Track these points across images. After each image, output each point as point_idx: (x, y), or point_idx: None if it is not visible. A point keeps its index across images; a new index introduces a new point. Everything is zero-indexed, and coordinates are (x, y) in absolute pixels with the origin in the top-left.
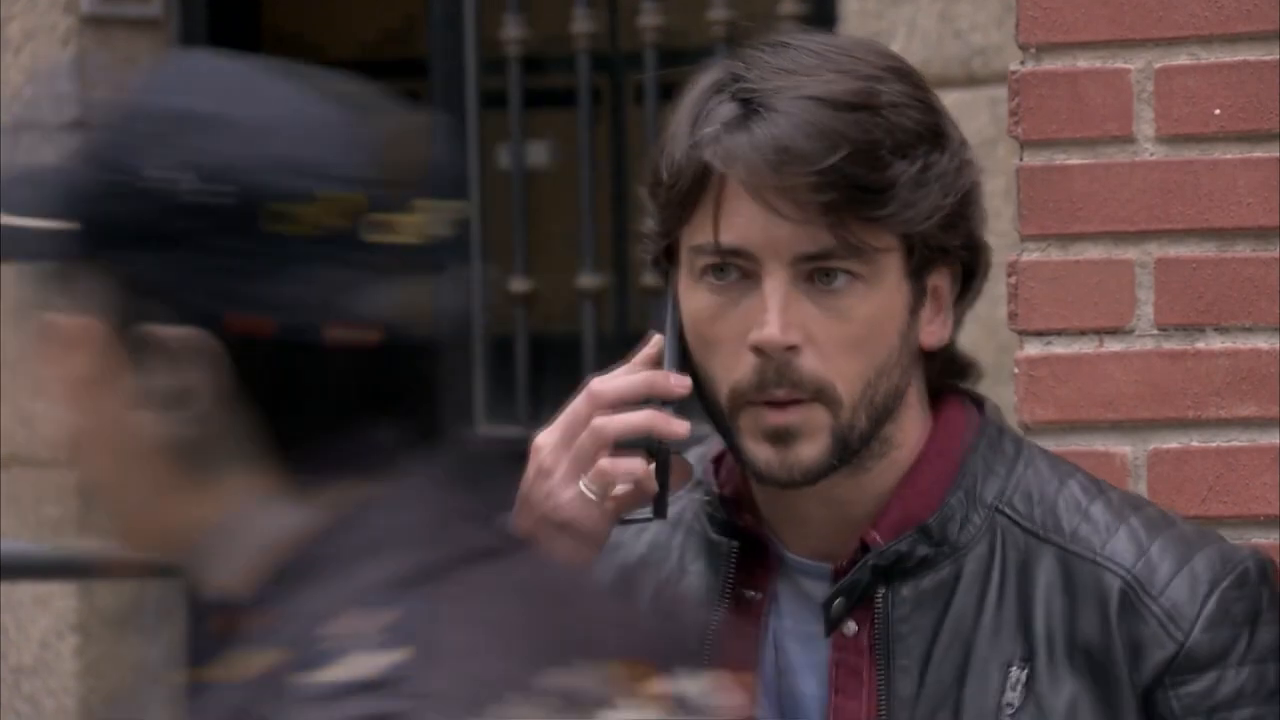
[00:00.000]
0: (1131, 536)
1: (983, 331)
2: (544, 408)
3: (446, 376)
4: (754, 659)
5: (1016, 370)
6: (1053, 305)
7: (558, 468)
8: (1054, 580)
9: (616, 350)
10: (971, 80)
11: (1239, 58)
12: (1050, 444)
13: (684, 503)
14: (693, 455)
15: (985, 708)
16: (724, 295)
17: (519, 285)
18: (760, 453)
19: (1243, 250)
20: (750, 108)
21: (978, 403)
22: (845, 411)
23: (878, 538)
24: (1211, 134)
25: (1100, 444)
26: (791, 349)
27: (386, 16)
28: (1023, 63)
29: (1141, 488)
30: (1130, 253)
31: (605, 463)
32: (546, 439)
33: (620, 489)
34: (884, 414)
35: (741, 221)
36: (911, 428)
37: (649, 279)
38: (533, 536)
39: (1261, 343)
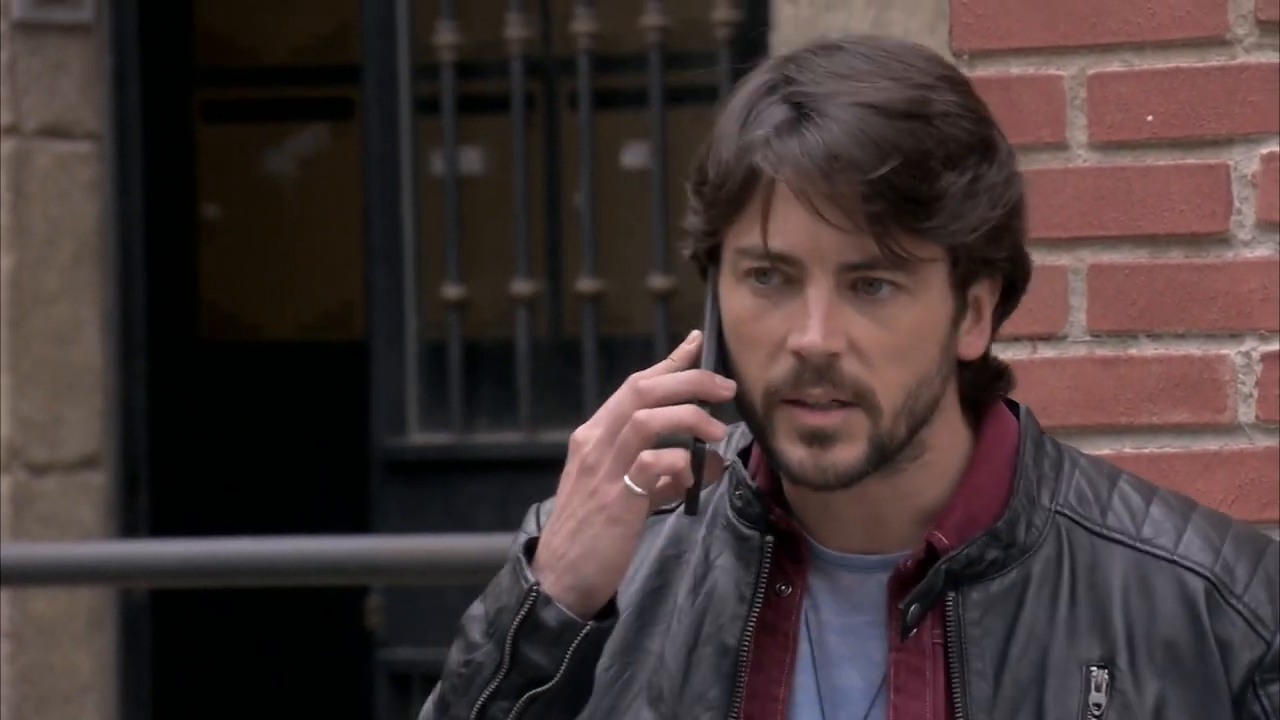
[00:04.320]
0: (1201, 535)
1: None
2: (478, 415)
3: (380, 383)
4: (789, 655)
5: None
6: None
7: (601, 464)
8: (1129, 580)
9: (551, 357)
10: None
11: (1172, 64)
12: None
13: (704, 495)
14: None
15: (1069, 709)
16: (766, 298)
17: (453, 291)
18: (794, 453)
19: (1176, 257)
20: (802, 112)
21: (1013, 408)
22: (885, 419)
23: (944, 540)
24: (1144, 140)
25: None
26: (833, 355)
27: (320, 21)
28: None
29: None
30: (1063, 259)
31: (648, 455)
32: (588, 434)
33: (660, 482)
34: (921, 422)
35: (789, 227)
36: (945, 431)
37: (583, 285)
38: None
39: (1194, 349)
